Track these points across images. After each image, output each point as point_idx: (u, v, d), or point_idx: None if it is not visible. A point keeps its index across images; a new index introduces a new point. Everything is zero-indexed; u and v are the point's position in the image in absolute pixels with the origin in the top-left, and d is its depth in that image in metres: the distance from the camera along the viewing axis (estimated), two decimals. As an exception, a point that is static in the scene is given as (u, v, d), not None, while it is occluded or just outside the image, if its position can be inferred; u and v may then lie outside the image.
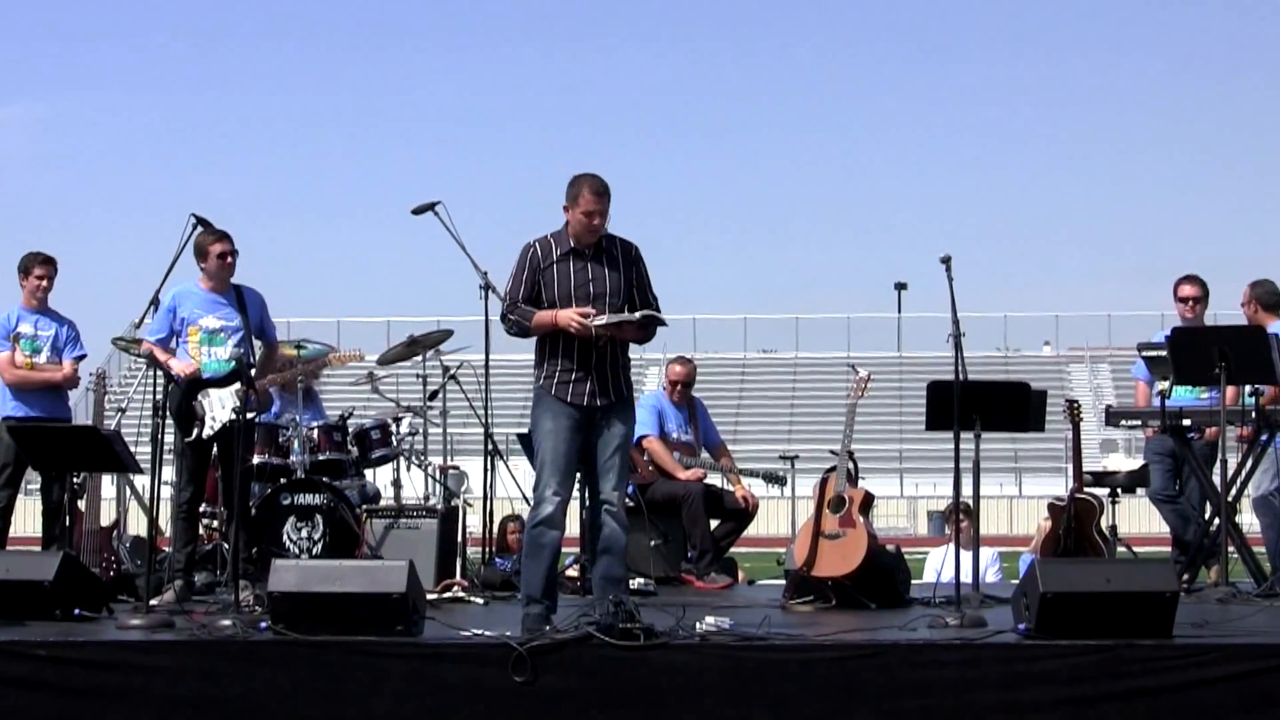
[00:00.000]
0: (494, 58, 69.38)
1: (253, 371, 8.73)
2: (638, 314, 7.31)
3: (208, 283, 9.00)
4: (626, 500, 10.16)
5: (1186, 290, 9.86)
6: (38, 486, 10.49)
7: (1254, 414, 9.04)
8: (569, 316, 7.26)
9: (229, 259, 8.95)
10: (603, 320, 7.27)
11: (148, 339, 8.98)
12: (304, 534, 9.68)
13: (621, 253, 7.43)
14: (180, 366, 8.79)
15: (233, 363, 8.80)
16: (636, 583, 9.29)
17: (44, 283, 9.78)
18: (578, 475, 7.62)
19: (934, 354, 41.34)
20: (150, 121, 70.11)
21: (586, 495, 8.15)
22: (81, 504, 9.54)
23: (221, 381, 8.84)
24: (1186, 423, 9.37)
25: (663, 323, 7.38)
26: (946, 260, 7.97)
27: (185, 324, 8.93)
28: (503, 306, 7.50)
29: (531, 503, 7.51)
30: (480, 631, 7.03)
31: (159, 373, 8.74)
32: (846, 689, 6.65)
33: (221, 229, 9.02)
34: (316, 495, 9.71)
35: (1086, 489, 10.02)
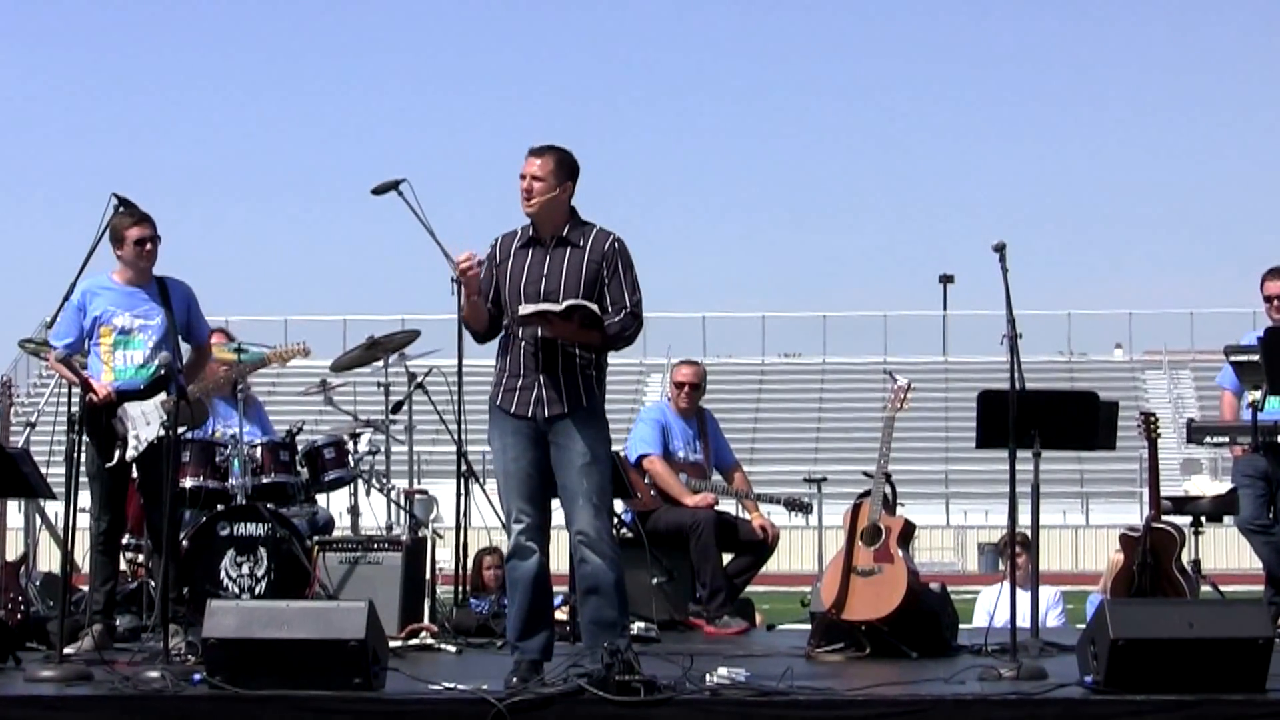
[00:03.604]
0: (474, 16, 69.47)
1: (181, 377, 8.72)
2: (562, 304, 7.27)
3: (124, 274, 8.99)
4: (624, 531, 10.21)
5: (1273, 287, 9.79)
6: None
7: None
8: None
9: (149, 246, 8.94)
10: (524, 310, 7.27)
11: (55, 346, 8.90)
12: (245, 570, 9.68)
13: (591, 245, 7.41)
14: (98, 387, 8.76)
15: (153, 367, 8.79)
16: (637, 627, 9.30)
17: None
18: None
19: (986, 358, 41.31)
20: (64, 85, 70.18)
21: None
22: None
23: (144, 393, 8.83)
24: (1282, 439, 9.38)
25: (599, 316, 7.28)
26: (1000, 248, 7.98)
27: (97, 324, 8.92)
28: None
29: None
30: (452, 685, 7.04)
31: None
32: (883, 752, 6.66)
33: (143, 211, 9.00)
34: (259, 525, 9.71)
35: (1164, 517, 10.01)
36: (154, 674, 7.20)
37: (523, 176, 7.37)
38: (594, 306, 7.29)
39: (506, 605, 7.61)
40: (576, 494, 7.31)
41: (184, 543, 9.46)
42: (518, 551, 7.35)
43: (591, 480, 7.32)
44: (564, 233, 7.42)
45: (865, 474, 9.17)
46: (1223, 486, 10.84)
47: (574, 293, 7.32)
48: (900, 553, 8.79)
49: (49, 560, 11.83)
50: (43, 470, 8.75)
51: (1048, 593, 11.60)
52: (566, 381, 7.35)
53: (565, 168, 7.41)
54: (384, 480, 10.47)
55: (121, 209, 9.05)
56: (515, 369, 7.39)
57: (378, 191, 9.61)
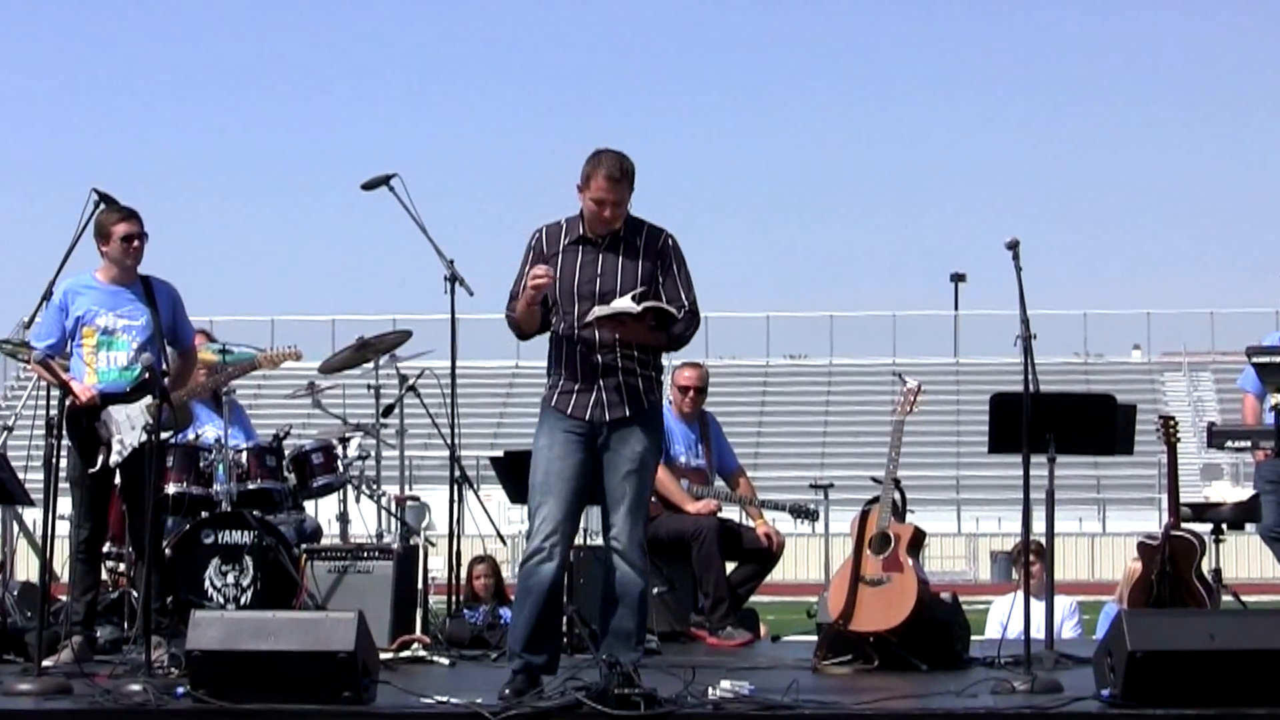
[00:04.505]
0: (466, 10, 69.47)
1: (166, 381, 8.72)
2: (639, 305, 7.28)
3: (108, 273, 9.00)
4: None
5: (1295, 286, 9.86)
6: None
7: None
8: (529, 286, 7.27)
9: (135, 243, 8.94)
10: (599, 312, 7.28)
11: (36, 347, 8.90)
12: (230, 579, 9.67)
13: (646, 243, 7.42)
14: (80, 390, 8.75)
15: (137, 369, 8.78)
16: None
17: None
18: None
19: (998, 360, 41.37)
20: (42, 77, 70.20)
21: (586, 533, 8.15)
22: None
23: (128, 396, 8.83)
24: (1307, 444, 9.38)
25: (673, 317, 7.32)
26: (1014, 246, 7.97)
27: (80, 324, 8.92)
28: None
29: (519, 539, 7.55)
30: (445, 698, 7.04)
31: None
32: (892, 768, 6.67)
33: (128, 207, 9.02)
34: (245, 532, 9.71)
35: (1184, 524, 10.01)
36: (136, 687, 7.19)
37: (602, 203, 7.30)
38: (671, 309, 7.33)
39: (513, 610, 7.58)
40: (619, 500, 7.34)
41: (167, 551, 9.45)
42: (535, 556, 7.32)
43: (635, 488, 7.36)
44: (618, 231, 7.43)
45: (874, 480, 9.17)
46: (1244, 492, 10.87)
47: (630, 294, 7.32)
48: (910, 561, 8.78)
49: (27, 569, 11.83)
50: (21, 476, 8.75)
51: (1063, 603, 11.60)
52: (627, 384, 7.37)
53: (633, 180, 7.39)
54: (374, 486, 10.46)
55: (102, 205, 9.06)
56: (573, 371, 7.39)
57: (368, 187, 9.63)
